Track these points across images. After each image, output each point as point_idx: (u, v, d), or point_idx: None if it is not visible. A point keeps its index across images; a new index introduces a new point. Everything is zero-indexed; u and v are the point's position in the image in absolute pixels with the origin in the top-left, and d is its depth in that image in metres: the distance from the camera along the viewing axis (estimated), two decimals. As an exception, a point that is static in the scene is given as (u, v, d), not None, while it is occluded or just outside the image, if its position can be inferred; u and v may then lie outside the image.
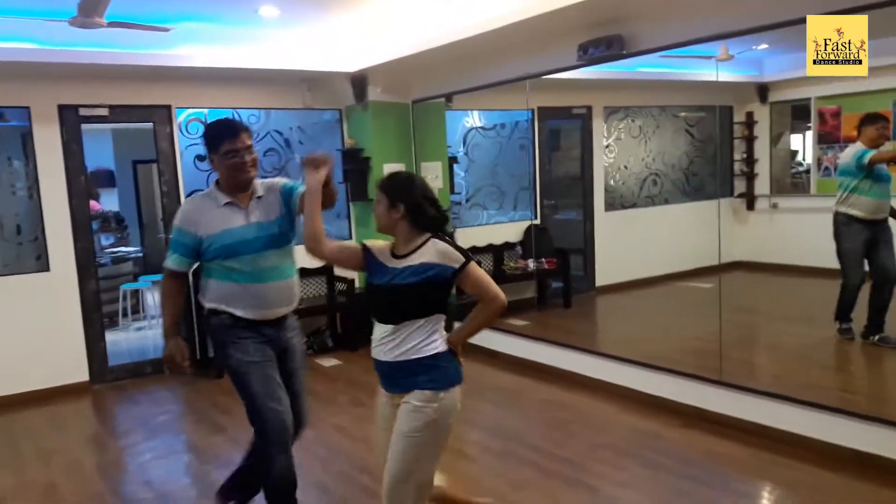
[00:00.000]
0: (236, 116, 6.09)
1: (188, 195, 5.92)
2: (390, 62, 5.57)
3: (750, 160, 8.22)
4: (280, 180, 3.00)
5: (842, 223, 4.95)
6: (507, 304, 2.46)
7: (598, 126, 7.56)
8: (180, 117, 5.87)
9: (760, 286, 7.25)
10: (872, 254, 4.91)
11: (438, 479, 2.62)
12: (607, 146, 7.69)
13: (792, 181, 8.26)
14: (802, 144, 8.20)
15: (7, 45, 4.64)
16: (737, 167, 8.29)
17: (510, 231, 7.26)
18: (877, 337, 4.83)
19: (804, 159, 8.17)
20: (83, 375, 5.58)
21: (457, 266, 2.43)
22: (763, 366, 5.25)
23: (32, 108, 5.24)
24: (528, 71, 5.24)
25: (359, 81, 6.07)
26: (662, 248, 7.78)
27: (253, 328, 2.86)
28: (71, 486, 3.86)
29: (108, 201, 9.34)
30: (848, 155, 4.96)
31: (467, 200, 7.20)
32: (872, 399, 4.32)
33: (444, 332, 2.49)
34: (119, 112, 5.59)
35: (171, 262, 2.88)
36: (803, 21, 3.55)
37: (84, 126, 5.52)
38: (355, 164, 6.27)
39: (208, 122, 2.56)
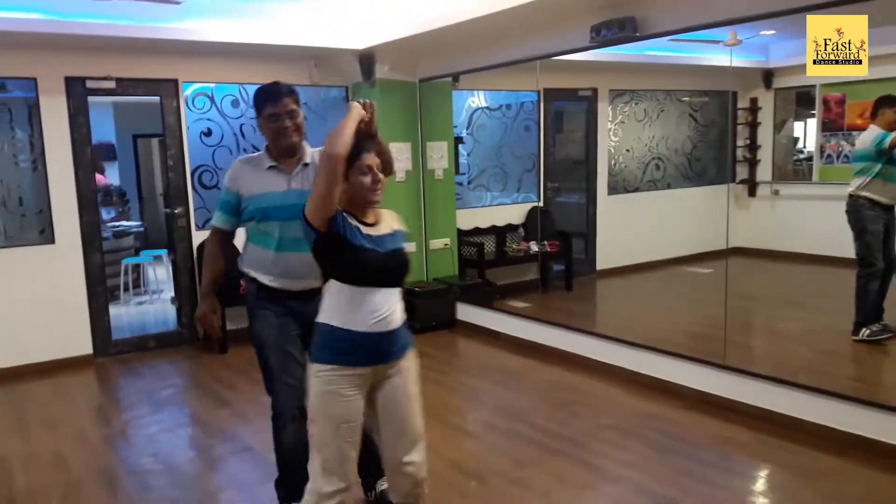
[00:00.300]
0: (243, 92, 6.08)
1: (193, 169, 5.92)
2: (399, 40, 5.54)
3: (753, 146, 8.23)
4: None
5: (865, 208, 4.78)
6: None
7: (604, 109, 7.55)
8: (187, 91, 5.84)
9: (760, 272, 7.30)
10: (885, 240, 4.85)
11: None
12: (612, 129, 7.69)
13: (794, 168, 8.28)
14: (804, 132, 8.21)
15: (15, 16, 4.60)
16: (739, 153, 8.31)
17: (513, 213, 7.27)
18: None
19: (805, 147, 8.18)
20: (87, 348, 5.59)
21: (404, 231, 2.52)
22: (765, 350, 5.30)
23: (39, 80, 5.20)
24: (539, 52, 5.22)
25: (366, 59, 6.04)
26: (663, 233, 7.81)
27: (276, 300, 2.86)
28: (79, 456, 3.89)
29: (108, 175, 9.31)
30: (867, 139, 4.81)
31: (469, 182, 7.20)
32: (873, 385, 4.38)
33: None
34: (126, 85, 5.55)
35: (216, 219, 2.94)
36: (815, 7, 3.56)
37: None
38: (361, 142, 6.25)
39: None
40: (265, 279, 2.86)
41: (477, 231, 6.93)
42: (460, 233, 6.76)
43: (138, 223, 8.70)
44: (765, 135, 8.23)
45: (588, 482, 3.38)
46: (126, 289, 7.49)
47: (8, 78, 5.23)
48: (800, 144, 8.27)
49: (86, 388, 5.18)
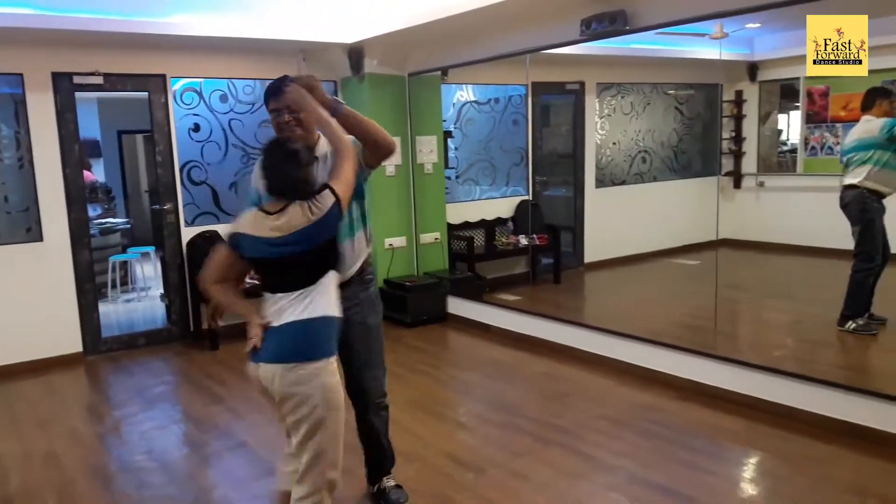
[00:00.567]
0: (231, 87, 6.05)
1: (181, 165, 5.89)
2: (388, 34, 5.53)
3: (738, 139, 8.30)
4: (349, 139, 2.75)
5: (869, 199, 4.70)
6: (202, 291, 2.57)
7: (591, 102, 7.59)
8: (175, 87, 5.80)
9: (746, 263, 7.38)
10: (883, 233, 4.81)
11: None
12: (599, 123, 7.73)
13: (779, 160, 8.36)
14: (787, 124, 8.30)
15: (0, 10, 4.55)
16: (724, 145, 8.38)
17: (502, 206, 7.29)
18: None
19: (789, 139, 8.27)
20: (77, 346, 5.56)
21: None
22: (754, 340, 5.36)
23: (26, 75, 5.15)
24: (529, 45, 5.23)
25: (355, 53, 6.03)
26: (650, 226, 7.87)
27: None
28: (72, 454, 3.87)
29: (93, 172, 9.22)
30: (872, 128, 4.70)
31: (457, 177, 7.21)
32: (862, 373, 4.44)
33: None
34: (114, 80, 5.51)
35: None
36: (804, 0, 3.60)
37: (74, 94, 5.44)
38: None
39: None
40: None
41: (466, 225, 6.95)
42: (450, 227, 6.78)
43: (125, 220, 8.63)
44: (750, 127, 8.31)
45: (583, 472, 3.41)
46: (114, 286, 7.44)
47: (-7, 74, 5.18)
48: (783, 136, 8.36)
49: (76, 387, 5.15)
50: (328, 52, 6.10)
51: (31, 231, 5.35)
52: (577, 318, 5.62)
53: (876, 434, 3.54)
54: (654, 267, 7.83)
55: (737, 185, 8.34)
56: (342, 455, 2.51)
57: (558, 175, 7.93)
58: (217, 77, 5.95)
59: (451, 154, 7.02)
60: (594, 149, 7.64)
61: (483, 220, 7.07)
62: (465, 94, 7.23)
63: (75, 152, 5.43)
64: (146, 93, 5.68)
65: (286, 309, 2.39)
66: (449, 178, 6.99)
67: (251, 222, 2.43)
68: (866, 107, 4.82)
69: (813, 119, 7.74)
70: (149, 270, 8.05)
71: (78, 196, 5.49)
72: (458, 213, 6.95)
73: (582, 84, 7.43)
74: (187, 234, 5.87)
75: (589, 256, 7.64)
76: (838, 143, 7.48)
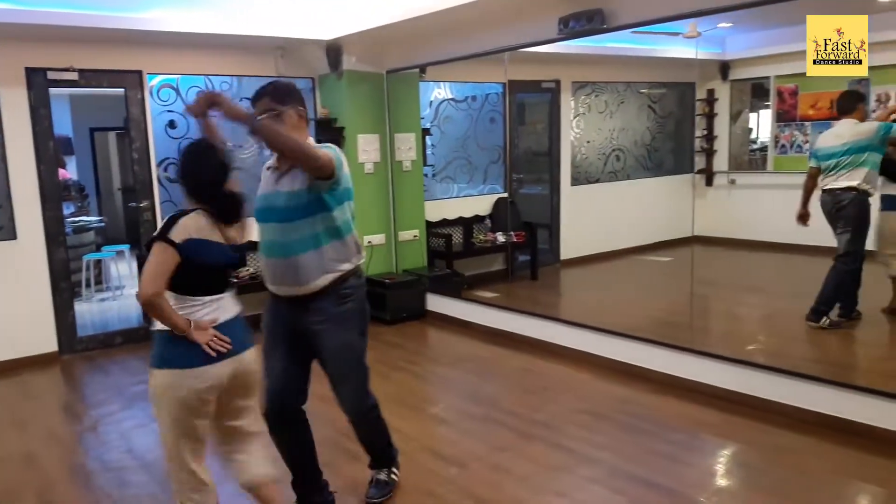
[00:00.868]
0: (208, 83, 6.01)
1: (158, 162, 5.84)
2: (366, 31, 5.54)
3: (710, 137, 8.43)
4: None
5: (865, 201, 4.77)
6: (145, 301, 2.29)
7: (566, 100, 7.66)
8: (152, 83, 5.75)
9: (718, 259, 7.49)
10: None
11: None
12: (574, 121, 7.80)
13: (749, 158, 8.51)
14: (758, 122, 8.44)
15: (-28, 5, 4.48)
16: (697, 143, 8.50)
17: (480, 204, 7.34)
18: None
19: (759, 137, 8.41)
20: (52, 346, 5.49)
21: None
22: (728, 334, 5.46)
23: (-1, 71, 5.08)
24: (507, 43, 5.27)
25: (333, 50, 6.02)
26: (624, 223, 7.97)
27: (276, 300, 2.86)
28: (51, 454, 3.84)
29: (67, 169, 9.08)
30: (867, 130, 4.77)
31: (434, 175, 7.24)
32: (835, 365, 4.55)
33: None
34: (89, 76, 5.44)
35: None
36: (777, 0, 3.67)
37: (47, 91, 5.36)
38: (329, 133, 6.23)
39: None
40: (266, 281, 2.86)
41: (445, 222, 6.98)
42: (428, 224, 6.80)
43: (98, 218, 8.52)
44: (721, 125, 8.44)
45: (564, 465, 3.46)
46: (88, 285, 7.34)
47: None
48: (754, 135, 8.50)
49: (52, 386, 5.09)
50: (306, 49, 6.09)
51: (5, 229, 5.26)
52: (554, 313, 5.69)
53: (849, 424, 3.64)
54: (628, 263, 7.93)
55: (709, 182, 8.46)
56: None
57: (535, 173, 7.99)
58: (194, 73, 5.91)
59: (428, 152, 7.04)
60: (569, 147, 7.72)
61: (461, 218, 7.11)
62: (443, 91, 7.26)
63: (50, 149, 5.36)
64: (122, 89, 5.62)
65: (226, 305, 2.48)
66: (427, 175, 7.01)
67: (202, 227, 2.41)
68: (847, 110, 4.87)
69: (783, 118, 7.88)
70: (123, 269, 7.96)
71: (53, 194, 5.42)
72: (437, 210, 6.97)
73: (557, 82, 7.49)
74: (164, 231, 5.81)
75: (565, 253, 7.72)
76: (807, 142, 7.64)
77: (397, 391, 4.56)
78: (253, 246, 2.83)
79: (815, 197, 5.05)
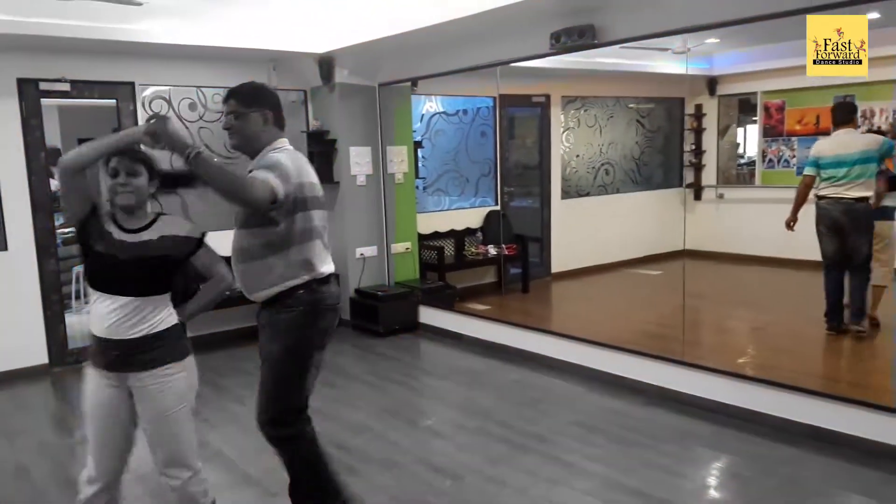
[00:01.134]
0: (200, 95, 6.02)
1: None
2: (358, 44, 5.57)
3: (698, 151, 8.53)
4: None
5: (872, 212, 4.87)
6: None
7: (556, 115, 7.73)
8: (144, 94, 5.74)
9: (707, 273, 7.56)
10: None
11: None
12: (564, 135, 7.87)
13: (737, 172, 8.61)
14: (745, 137, 8.55)
15: (-34, 16, 4.48)
16: (685, 158, 8.60)
17: (471, 217, 7.37)
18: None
19: (746, 151, 8.52)
20: (42, 358, 5.44)
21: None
22: (719, 347, 5.49)
23: (-10, 82, 5.07)
24: (499, 57, 5.32)
25: (326, 63, 6.05)
26: (614, 237, 8.03)
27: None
28: (42, 466, 3.81)
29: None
30: (874, 142, 4.88)
31: (425, 188, 7.27)
32: (824, 378, 4.59)
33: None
34: (81, 88, 5.43)
35: None
36: (770, 17, 3.73)
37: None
38: (321, 146, 6.26)
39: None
40: None
41: (436, 235, 7.00)
42: (420, 237, 6.82)
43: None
44: (709, 140, 8.54)
45: (560, 477, 3.47)
46: (77, 297, 7.29)
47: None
48: (741, 149, 8.61)
49: (43, 399, 5.05)
50: (298, 62, 6.11)
51: (-5, 240, 5.24)
52: (546, 326, 5.71)
53: (840, 436, 3.67)
54: (618, 277, 7.99)
55: (697, 196, 8.56)
56: None
57: (525, 186, 8.04)
58: (186, 85, 5.92)
59: (419, 164, 7.08)
60: (559, 161, 7.78)
61: (453, 230, 7.14)
62: (434, 105, 7.30)
63: (41, 160, 5.35)
64: (114, 100, 5.62)
65: None
66: (418, 188, 7.04)
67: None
68: (845, 121, 4.94)
69: (770, 133, 7.99)
70: (112, 281, 7.90)
71: (43, 204, 5.40)
72: (428, 223, 7.00)
73: (547, 97, 7.56)
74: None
75: (556, 266, 7.76)
76: (794, 156, 7.74)
77: (391, 403, 4.56)
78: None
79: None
